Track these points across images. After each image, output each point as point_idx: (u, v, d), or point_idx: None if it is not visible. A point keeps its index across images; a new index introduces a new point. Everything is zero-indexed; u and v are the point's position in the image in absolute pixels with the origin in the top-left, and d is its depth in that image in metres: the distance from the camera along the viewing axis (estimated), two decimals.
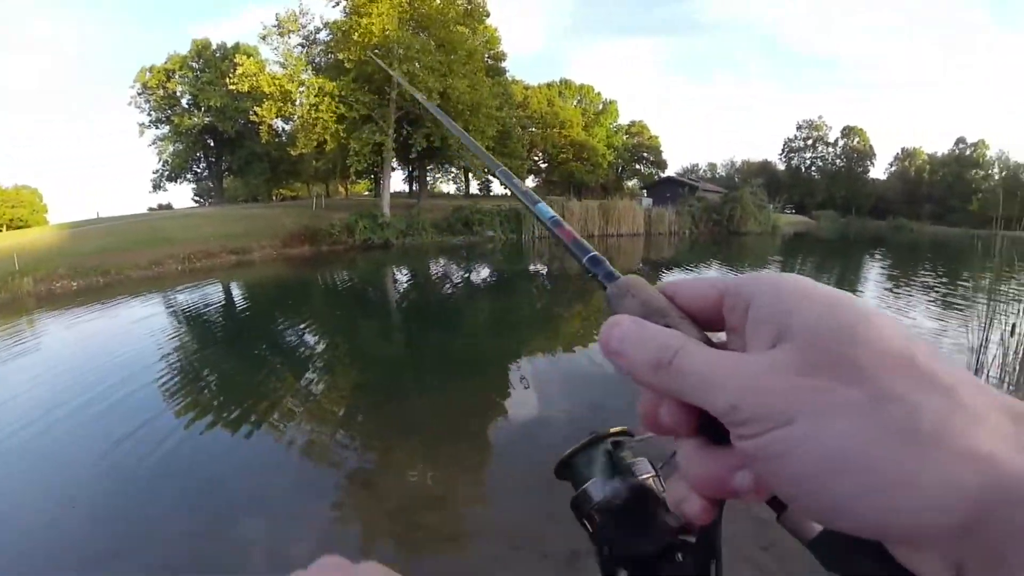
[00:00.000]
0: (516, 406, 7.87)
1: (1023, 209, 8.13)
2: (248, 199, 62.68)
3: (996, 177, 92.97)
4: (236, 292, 19.01)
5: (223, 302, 16.74)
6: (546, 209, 0.57)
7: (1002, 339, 6.65)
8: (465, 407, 7.89)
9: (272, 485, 5.56)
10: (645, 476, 0.53)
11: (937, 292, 17.35)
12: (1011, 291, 9.32)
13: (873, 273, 25.60)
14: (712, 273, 24.45)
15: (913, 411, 0.29)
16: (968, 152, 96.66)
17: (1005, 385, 6.41)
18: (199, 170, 60.33)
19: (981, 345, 6.79)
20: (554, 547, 4.33)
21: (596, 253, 0.49)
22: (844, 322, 0.32)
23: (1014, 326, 6.45)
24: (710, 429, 0.37)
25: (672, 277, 22.22)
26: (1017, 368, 6.33)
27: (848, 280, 22.92)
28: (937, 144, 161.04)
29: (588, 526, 0.54)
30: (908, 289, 18.08)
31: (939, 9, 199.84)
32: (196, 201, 79.32)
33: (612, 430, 0.58)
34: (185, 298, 16.75)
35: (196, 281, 19.89)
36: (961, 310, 13.45)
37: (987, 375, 6.61)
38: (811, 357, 0.32)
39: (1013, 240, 8.36)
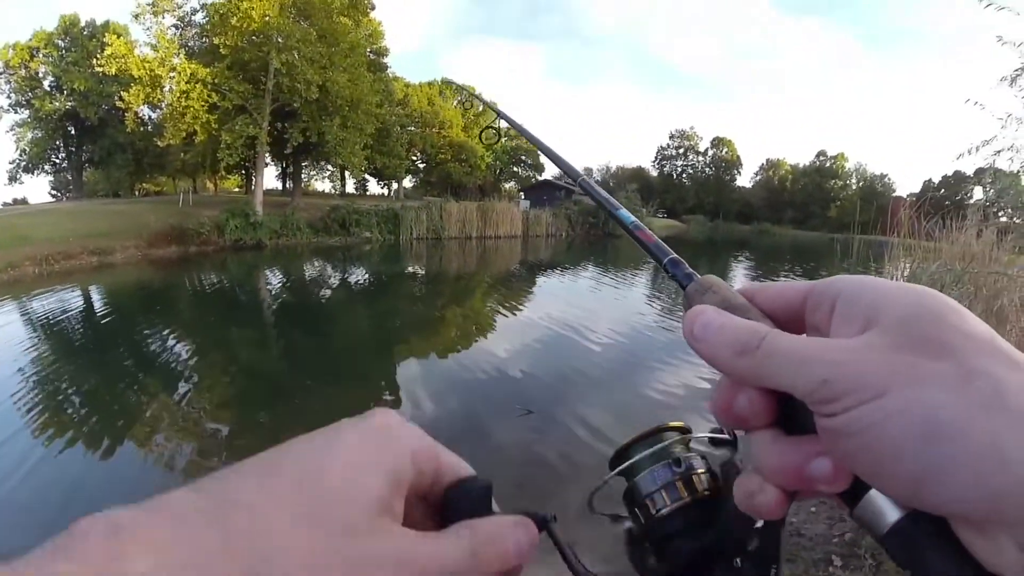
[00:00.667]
0: (399, 409, 7.70)
1: (878, 215, 8.66)
2: (109, 194, 58.62)
3: (854, 187, 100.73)
4: (99, 298, 17.67)
5: (85, 309, 15.49)
6: (627, 215, 0.59)
7: None
8: (346, 414, 7.65)
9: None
10: (700, 471, 0.53)
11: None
12: None
13: (739, 272, 26.77)
14: (589, 271, 24.98)
15: (999, 385, 0.29)
16: (828, 164, 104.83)
17: None
18: (58, 161, 55.53)
19: None
20: None
21: (675, 255, 0.51)
22: (932, 308, 0.34)
23: None
24: (786, 419, 0.37)
25: (548, 278, 22.62)
26: None
27: (720, 275, 23.85)
28: (799, 156, 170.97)
29: (640, 518, 0.54)
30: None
31: (805, 32, 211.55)
32: (53, 195, 74.38)
33: (672, 424, 0.58)
34: (44, 305, 15.43)
35: (55, 285, 18.28)
36: None
37: None
38: (902, 338, 0.33)
39: (868, 243, 8.87)
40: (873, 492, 0.33)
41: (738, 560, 0.48)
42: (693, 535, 0.51)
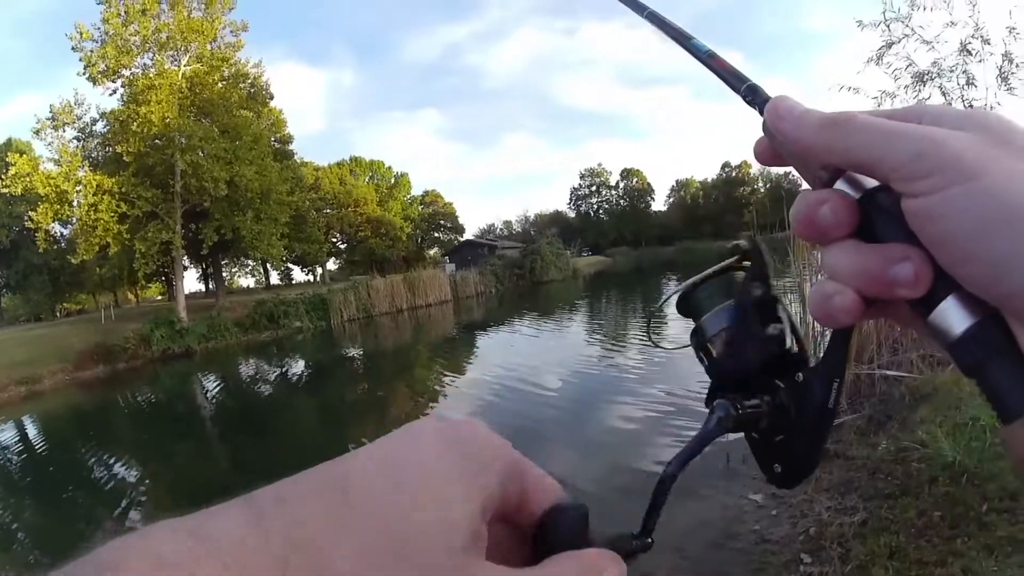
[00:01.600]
0: None
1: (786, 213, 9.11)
2: (31, 318, 56.69)
3: (762, 190, 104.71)
4: (31, 429, 16.97)
5: (20, 442, 14.96)
6: (701, 44, 0.59)
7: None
8: None
9: None
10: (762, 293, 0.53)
11: None
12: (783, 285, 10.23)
13: (672, 288, 27.38)
14: (525, 322, 25.18)
15: None
16: (734, 173, 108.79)
17: None
18: None
19: None
20: None
21: (753, 82, 0.50)
22: (1013, 126, 0.35)
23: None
24: (866, 231, 0.38)
25: (486, 337, 22.74)
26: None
27: (654, 298, 24.35)
28: (706, 171, 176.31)
29: (704, 359, 0.55)
30: None
31: (693, 62, 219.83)
32: None
33: (735, 260, 0.58)
34: None
35: None
36: None
37: None
38: (994, 137, 0.33)
39: (784, 239, 9.27)
40: (947, 301, 0.34)
41: (800, 374, 0.48)
42: (763, 339, 0.51)
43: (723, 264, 0.55)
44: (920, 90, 7.80)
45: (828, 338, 0.46)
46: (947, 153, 0.33)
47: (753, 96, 0.50)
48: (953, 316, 0.34)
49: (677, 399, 9.11)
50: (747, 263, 0.55)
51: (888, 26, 7.69)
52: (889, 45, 7.77)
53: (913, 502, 4.12)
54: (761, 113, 0.47)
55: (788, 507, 4.76)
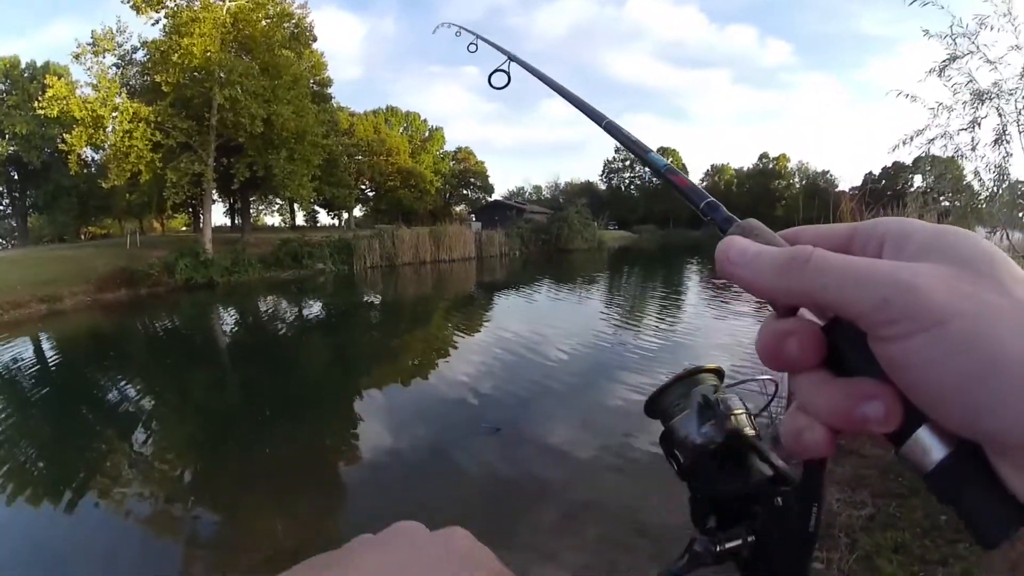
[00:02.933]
0: (360, 440, 7.72)
1: (823, 210, 8.99)
2: (55, 239, 57.22)
3: (797, 185, 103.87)
4: (50, 347, 17.15)
5: (37, 359, 15.09)
6: (659, 158, 0.58)
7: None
8: (311, 451, 7.64)
9: (115, 563, 5.08)
10: (737, 412, 0.52)
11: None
12: None
13: (693, 275, 27.15)
14: (544, 288, 25.14)
15: None
16: (771, 165, 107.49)
17: None
18: (1, 207, 54.33)
19: None
20: None
21: (713, 199, 0.50)
22: (987, 249, 0.34)
23: None
24: (834, 360, 0.37)
25: (505, 298, 22.74)
26: None
27: (673, 282, 24.27)
28: (743, 159, 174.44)
29: (674, 463, 0.54)
30: (727, 288, 19.24)
31: (740, 39, 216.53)
32: None
33: (706, 366, 0.56)
34: None
35: (5, 335, 17.88)
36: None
37: None
38: (963, 271, 0.32)
39: None
40: (920, 431, 0.34)
41: (779, 499, 0.48)
42: (732, 475, 0.51)
43: (692, 368, 0.55)
44: (978, 107, 7.57)
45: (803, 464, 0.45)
46: (913, 297, 0.32)
47: (714, 214, 0.49)
48: (926, 447, 0.34)
49: None
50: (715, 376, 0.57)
51: (954, 39, 7.47)
52: (953, 59, 7.55)
53: (920, 503, 4.15)
54: (721, 230, 0.46)
55: (825, 500, 4.77)
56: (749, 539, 0.49)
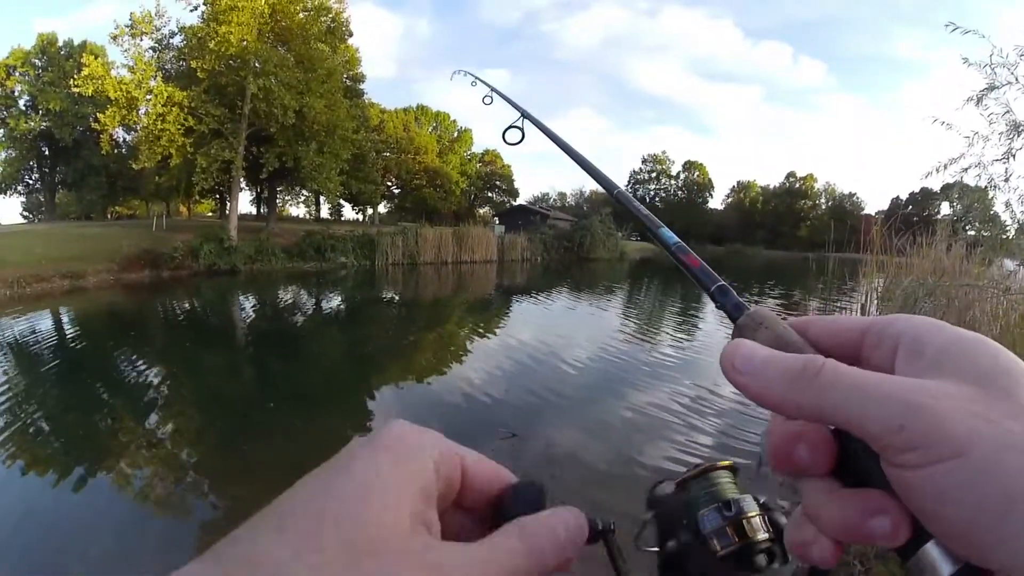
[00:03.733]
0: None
1: (849, 233, 8.91)
2: (81, 216, 57.85)
3: (823, 206, 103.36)
4: (70, 323, 17.31)
5: (57, 334, 15.22)
6: (670, 234, 0.58)
7: None
8: (321, 442, 7.61)
9: (117, 539, 5.09)
10: (751, 513, 0.51)
11: (778, 304, 18.52)
12: (843, 300, 9.99)
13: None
14: (564, 294, 25.10)
15: None
16: (798, 185, 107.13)
17: None
18: (31, 181, 54.59)
19: None
20: None
21: (724, 283, 0.49)
22: (1007, 366, 0.32)
23: None
24: (843, 469, 0.36)
25: (525, 303, 22.71)
26: None
27: (691, 298, 24.14)
28: (769, 177, 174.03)
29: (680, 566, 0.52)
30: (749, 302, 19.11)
31: (771, 55, 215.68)
32: (25, 217, 73.36)
33: (721, 463, 0.54)
34: (13, 329, 15.23)
35: (27, 309, 17.98)
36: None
37: None
38: (981, 392, 0.31)
39: (842, 260, 9.06)
40: (928, 546, 0.33)
41: None
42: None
43: (714, 464, 0.53)
44: (1013, 139, 7.47)
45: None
46: (931, 425, 0.30)
47: (723, 299, 0.48)
48: (934, 562, 0.32)
49: (693, 402, 9.06)
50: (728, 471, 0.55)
51: (993, 69, 7.37)
52: (991, 88, 7.45)
53: None
54: (731, 318, 0.45)
55: None
56: None
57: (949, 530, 0.31)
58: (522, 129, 1.20)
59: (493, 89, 1.46)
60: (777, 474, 0.38)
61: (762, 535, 0.50)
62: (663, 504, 0.56)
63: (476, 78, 1.49)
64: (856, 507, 0.34)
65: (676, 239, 0.57)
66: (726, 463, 0.55)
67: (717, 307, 0.48)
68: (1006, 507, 0.28)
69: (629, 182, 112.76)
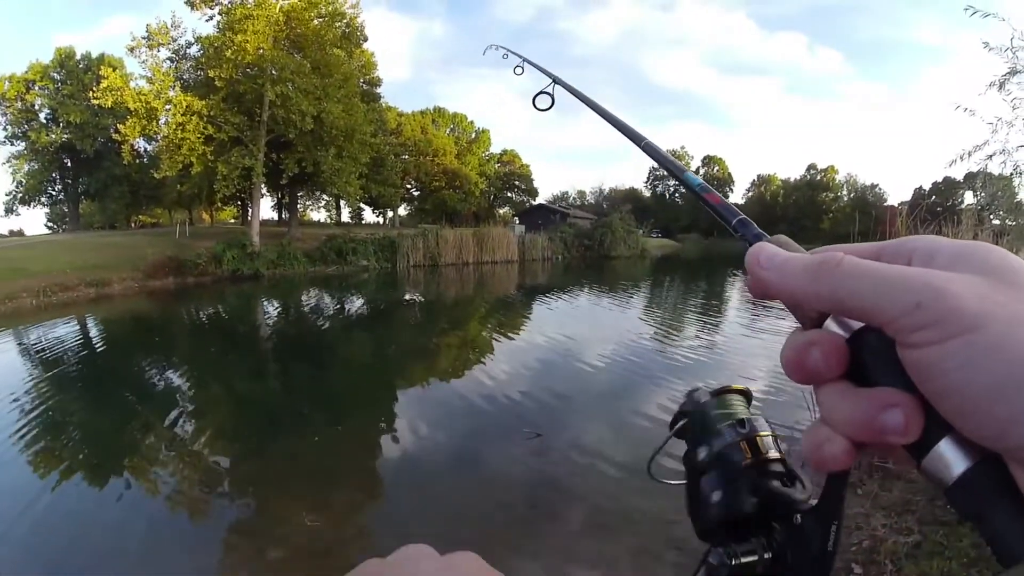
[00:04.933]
0: (399, 439, 7.72)
1: (875, 225, 8.79)
2: (105, 226, 58.61)
3: (845, 198, 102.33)
4: (97, 330, 17.60)
5: (83, 341, 15.44)
6: (694, 177, 0.59)
7: None
8: (346, 445, 7.65)
9: (150, 542, 5.14)
10: (763, 433, 0.53)
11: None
12: None
13: (735, 287, 26.84)
14: (586, 293, 25.04)
15: None
16: (819, 177, 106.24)
17: None
18: (54, 193, 55.31)
19: None
20: None
21: (744, 216, 0.50)
22: (1015, 264, 0.33)
23: None
24: (856, 371, 0.37)
25: (546, 302, 22.67)
26: None
27: (714, 296, 23.99)
28: (790, 170, 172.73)
29: (694, 479, 0.55)
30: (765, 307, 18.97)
31: (789, 46, 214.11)
32: (49, 227, 74.46)
33: (734, 386, 0.56)
34: (42, 337, 15.44)
35: (53, 317, 18.30)
36: None
37: None
38: (993, 280, 0.32)
39: None
40: (942, 444, 0.33)
41: (798, 516, 0.47)
42: (754, 493, 0.51)
43: (728, 387, 0.55)
44: None
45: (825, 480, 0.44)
46: (947, 302, 0.31)
47: (744, 230, 0.49)
48: (948, 460, 0.33)
49: None
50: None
51: (1015, 53, 7.25)
52: (1013, 72, 7.34)
53: (969, 533, 3.95)
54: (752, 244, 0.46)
55: (844, 517, 4.65)
56: (766, 556, 0.49)
57: (967, 408, 0.31)
58: (552, 94, 1.21)
59: (524, 59, 1.48)
60: (794, 380, 0.39)
61: (774, 453, 0.52)
62: (690, 415, 0.56)
63: (507, 50, 1.52)
64: (869, 402, 0.35)
65: (700, 181, 0.58)
66: (739, 387, 0.58)
67: (738, 239, 0.50)
68: (1019, 379, 0.28)
69: (648, 178, 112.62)
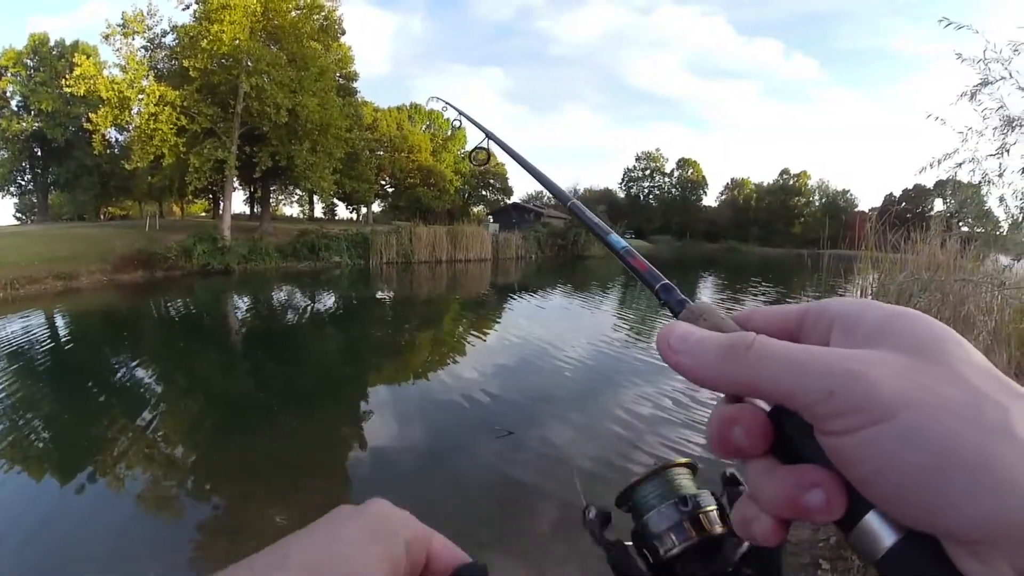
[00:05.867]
0: (370, 436, 7.70)
1: (844, 230, 8.92)
2: (74, 217, 57.73)
3: (817, 203, 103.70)
4: (63, 324, 17.20)
5: (49, 335, 15.09)
6: (618, 240, 0.59)
7: None
8: (316, 442, 7.62)
9: (117, 540, 5.07)
10: (708, 508, 0.52)
11: (773, 302, 18.65)
12: (837, 295, 10.10)
13: (708, 287, 27.08)
14: (559, 293, 25.13)
15: (1007, 414, 0.29)
16: (792, 182, 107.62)
17: None
18: (23, 182, 54.24)
19: None
20: None
21: (668, 281, 0.51)
22: (940, 335, 0.33)
23: None
24: (781, 448, 0.37)
25: (519, 301, 22.71)
26: None
27: (686, 293, 24.12)
28: (763, 174, 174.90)
29: (649, 557, 0.53)
30: (743, 299, 19.14)
31: (765, 53, 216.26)
32: (18, 218, 73.30)
33: (678, 460, 0.57)
34: (8, 330, 15.16)
35: (18, 310, 17.99)
36: None
37: None
38: (911, 359, 0.32)
39: (837, 257, 9.11)
40: (868, 517, 0.33)
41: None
42: (702, 564, 0.51)
43: (671, 463, 0.56)
44: (1007, 134, 7.48)
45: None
46: (861, 389, 0.31)
47: (668, 296, 0.50)
48: (876, 533, 0.33)
49: (687, 399, 9.00)
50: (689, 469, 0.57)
51: (987, 64, 7.39)
52: (985, 83, 7.47)
53: None
54: (674, 313, 0.47)
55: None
56: None
57: (888, 495, 0.31)
58: (487, 149, 1.25)
59: (461, 113, 1.50)
60: (719, 456, 0.39)
61: (718, 529, 0.51)
62: (634, 506, 0.57)
63: (447, 103, 1.54)
64: (791, 482, 0.34)
65: (624, 243, 0.58)
66: (684, 461, 0.58)
67: (660, 305, 0.49)
68: (939, 466, 0.28)
69: (623, 179, 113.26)
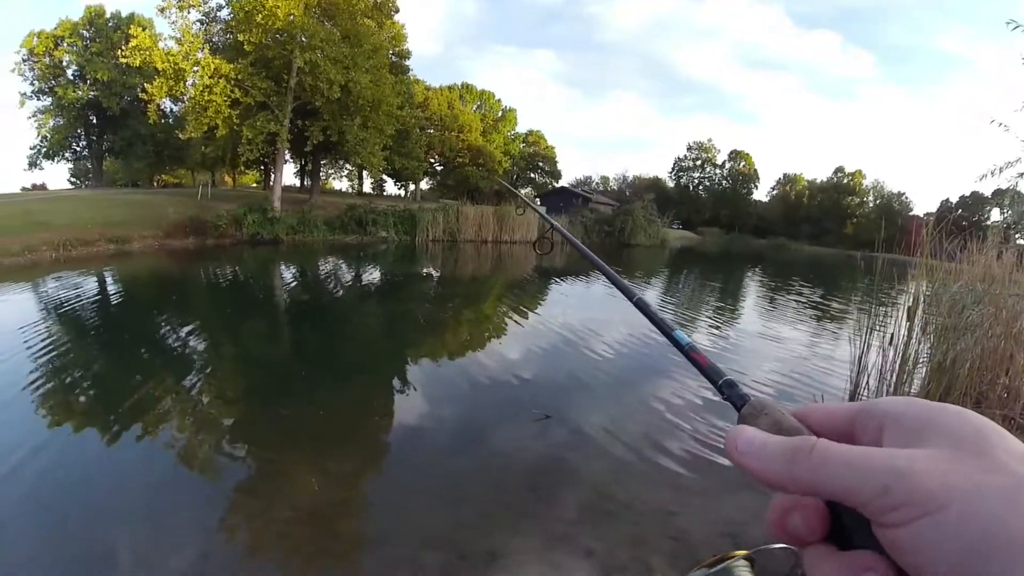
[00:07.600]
0: (406, 410, 7.69)
1: (900, 234, 8.66)
2: (128, 183, 58.95)
3: (871, 204, 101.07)
4: (115, 285, 17.57)
5: (100, 296, 15.44)
6: (683, 336, 0.61)
7: (881, 346, 6.91)
8: (355, 414, 7.63)
9: (153, 497, 5.13)
10: None
11: (819, 306, 18.30)
12: (888, 303, 9.83)
13: (753, 288, 26.68)
14: (602, 280, 24.91)
15: None
16: (845, 180, 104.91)
17: (884, 388, 6.66)
18: (78, 149, 55.75)
19: (862, 353, 7.04)
20: (470, 548, 4.26)
21: (730, 377, 0.52)
22: (979, 426, 0.36)
23: (892, 335, 6.72)
24: (838, 534, 0.38)
25: (563, 285, 22.61)
26: (895, 372, 6.58)
27: (729, 292, 23.82)
28: (817, 171, 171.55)
29: None
30: (788, 301, 18.83)
31: (821, 45, 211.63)
32: (72, 183, 75.12)
33: (736, 553, 0.57)
34: (60, 290, 15.47)
35: (72, 271, 18.39)
36: (840, 321, 14.34)
37: (867, 380, 6.89)
38: (956, 452, 0.34)
39: (891, 262, 8.86)
40: None
41: None
42: None
43: (728, 555, 0.57)
44: None
45: None
46: (912, 484, 0.33)
47: (730, 392, 0.51)
48: None
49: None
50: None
51: None
52: None
53: None
54: (736, 407, 0.49)
55: None
56: None
57: None
58: (551, 239, 1.35)
59: (530, 206, 1.56)
60: (777, 540, 0.40)
61: None
62: None
63: (528, 204, 1.55)
64: (848, 567, 0.37)
65: (688, 340, 0.61)
66: (742, 552, 0.59)
67: (723, 399, 0.51)
68: (989, 549, 0.30)
69: (673, 168, 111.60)
